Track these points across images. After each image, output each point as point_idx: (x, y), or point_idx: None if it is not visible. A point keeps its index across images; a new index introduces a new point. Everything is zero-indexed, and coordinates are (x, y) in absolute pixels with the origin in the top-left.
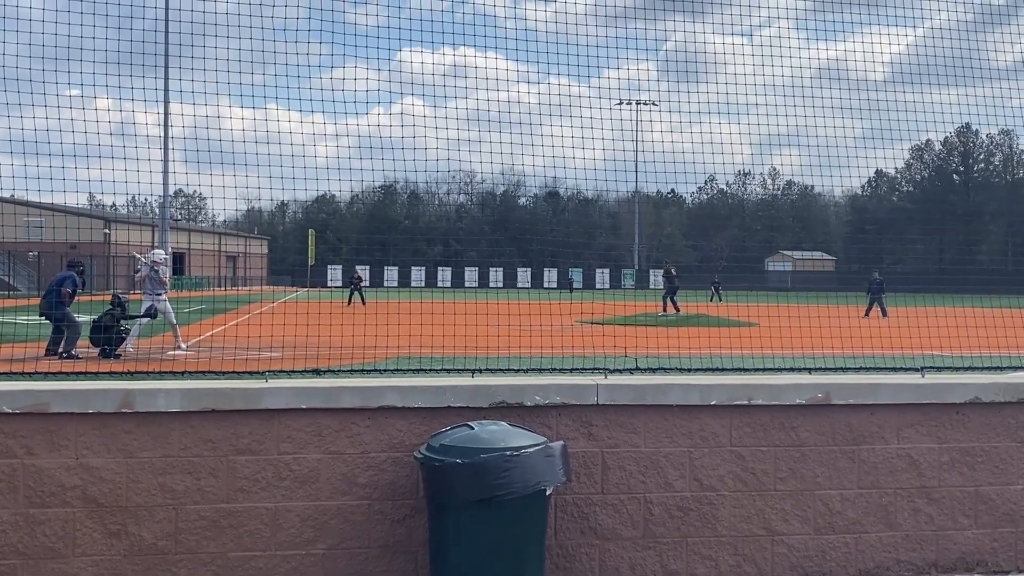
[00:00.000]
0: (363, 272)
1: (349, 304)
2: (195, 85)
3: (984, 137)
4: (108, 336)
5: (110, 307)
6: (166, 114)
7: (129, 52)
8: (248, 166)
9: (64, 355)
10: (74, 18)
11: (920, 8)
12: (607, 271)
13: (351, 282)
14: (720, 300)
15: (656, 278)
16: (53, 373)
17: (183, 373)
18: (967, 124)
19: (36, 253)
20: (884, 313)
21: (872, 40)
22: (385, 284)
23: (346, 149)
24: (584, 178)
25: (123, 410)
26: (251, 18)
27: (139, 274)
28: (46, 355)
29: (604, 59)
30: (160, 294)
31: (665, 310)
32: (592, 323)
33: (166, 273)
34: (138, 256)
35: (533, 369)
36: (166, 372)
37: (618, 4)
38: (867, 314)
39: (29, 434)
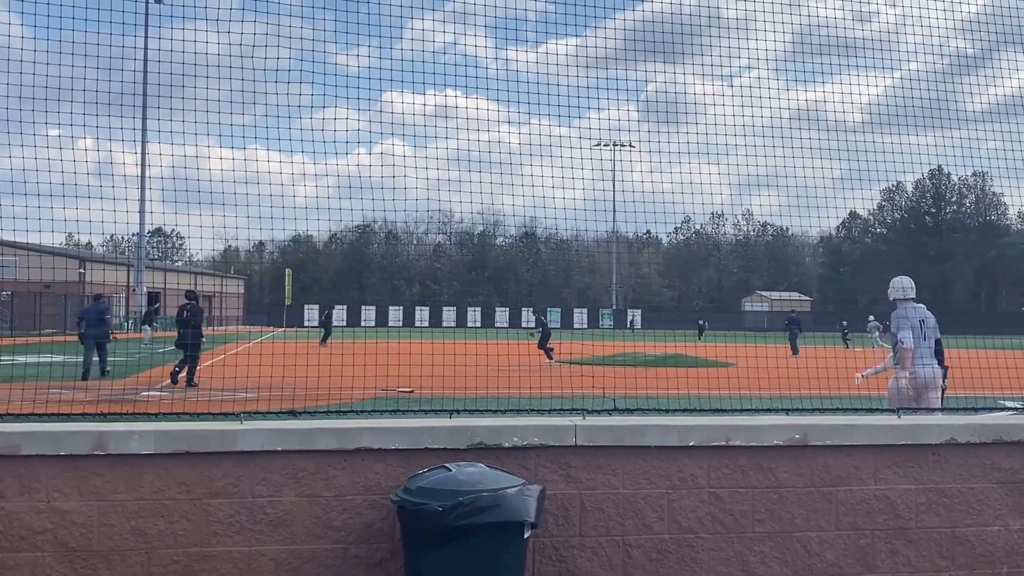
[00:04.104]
0: (340, 311)
1: (323, 344)
2: (179, 126)
3: (956, 180)
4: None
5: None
6: (143, 154)
7: (108, 92)
8: (226, 206)
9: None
10: (56, 59)
11: (895, 55)
12: (585, 311)
13: (324, 321)
14: (699, 339)
15: (634, 318)
16: (24, 414)
17: (157, 415)
18: (939, 167)
19: (10, 293)
20: (795, 351)
21: (849, 85)
22: (363, 324)
23: (325, 189)
24: (564, 218)
25: (96, 452)
26: (230, 58)
27: None
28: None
29: (586, 100)
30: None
31: (550, 356)
32: (571, 363)
33: None
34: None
35: (511, 410)
36: (140, 414)
37: (600, 46)
38: (795, 352)
39: None
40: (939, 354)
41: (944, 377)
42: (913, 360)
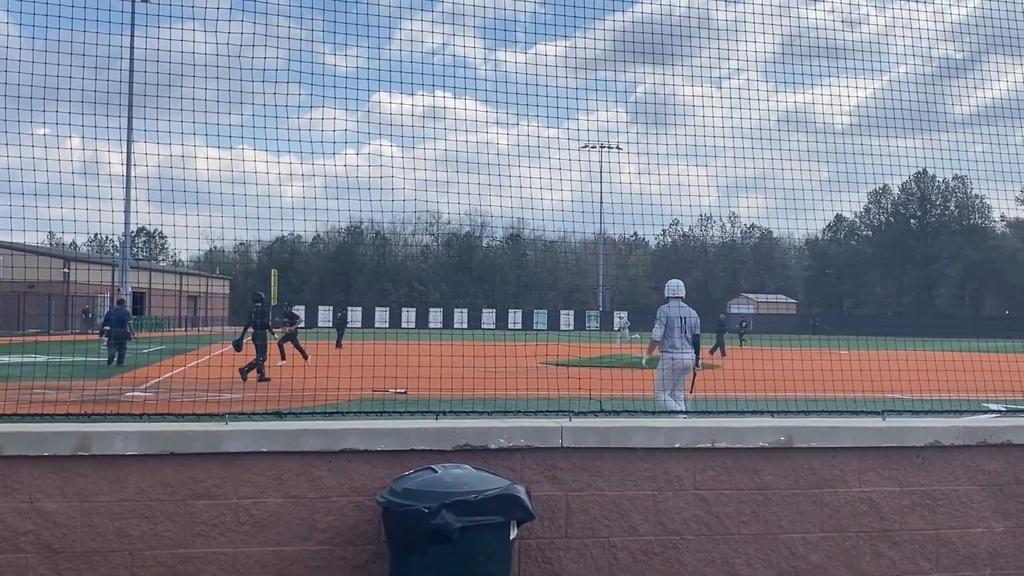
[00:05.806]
0: (326, 312)
1: (339, 347)
2: (167, 125)
3: (940, 183)
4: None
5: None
6: (129, 153)
7: (95, 91)
8: (212, 205)
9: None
10: (43, 57)
11: (883, 59)
12: (572, 313)
13: (338, 321)
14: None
15: (621, 320)
16: (7, 415)
17: (141, 415)
18: (924, 170)
19: None
20: (723, 352)
21: (836, 90)
22: (349, 325)
23: (313, 189)
24: (551, 219)
25: (79, 453)
26: (218, 58)
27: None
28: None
29: (575, 102)
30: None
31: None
32: (557, 365)
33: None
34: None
35: (497, 411)
36: (124, 414)
37: (589, 49)
38: (712, 352)
39: None
40: (696, 346)
41: (696, 364)
42: (669, 348)
